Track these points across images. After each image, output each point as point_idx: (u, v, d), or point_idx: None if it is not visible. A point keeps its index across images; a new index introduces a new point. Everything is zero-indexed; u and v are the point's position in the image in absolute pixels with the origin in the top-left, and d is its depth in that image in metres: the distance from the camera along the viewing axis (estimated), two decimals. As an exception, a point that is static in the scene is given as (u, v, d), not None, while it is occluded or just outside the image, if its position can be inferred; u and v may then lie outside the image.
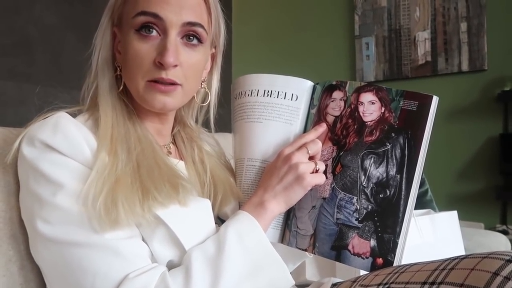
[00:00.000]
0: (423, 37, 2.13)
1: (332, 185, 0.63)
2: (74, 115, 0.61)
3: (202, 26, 0.63)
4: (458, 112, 2.04)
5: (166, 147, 0.71)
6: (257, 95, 0.67)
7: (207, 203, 0.63)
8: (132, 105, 0.66)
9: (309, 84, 0.69)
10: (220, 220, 0.67)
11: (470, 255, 0.49)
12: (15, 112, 1.62)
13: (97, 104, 0.63)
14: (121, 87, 0.64)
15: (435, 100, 0.58)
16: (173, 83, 0.61)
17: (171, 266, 0.57)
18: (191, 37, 0.62)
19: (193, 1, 0.62)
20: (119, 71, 0.64)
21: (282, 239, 0.67)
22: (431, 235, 0.94)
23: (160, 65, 0.59)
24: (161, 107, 0.62)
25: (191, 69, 0.63)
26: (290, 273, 0.60)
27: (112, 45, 0.66)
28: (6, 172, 0.62)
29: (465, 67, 2.03)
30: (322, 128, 0.65)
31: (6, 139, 0.64)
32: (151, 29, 0.60)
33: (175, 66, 0.60)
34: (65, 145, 0.56)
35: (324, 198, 0.63)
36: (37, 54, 1.75)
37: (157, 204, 0.56)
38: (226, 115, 0.76)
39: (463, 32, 2.03)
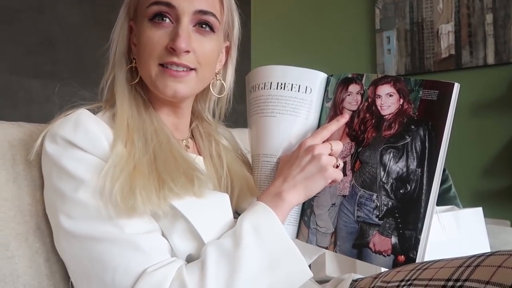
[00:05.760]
0: (446, 29, 2.07)
1: (352, 183, 0.62)
2: (93, 111, 0.63)
3: (214, 15, 0.64)
4: (483, 107, 1.98)
5: (184, 142, 0.72)
6: (270, 88, 0.66)
7: (226, 197, 0.63)
8: (149, 98, 0.67)
9: (322, 76, 0.67)
10: (238, 216, 0.67)
11: (496, 252, 0.47)
12: (41, 109, 1.66)
13: (114, 96, 0.65)
14: (137, 79, 0.66)
15: (456, 87, 0.56)
16: (187, 68, 0.62)
17: (190, 259, 0.57)
18: (203, 25, 0.64)
19: None
20: (135, 63, 0.66)
21: (297, 235, 0.66)
22: (455, 232, 0.91)
23: (172, 50, 0.61)
24: (172, 94, 0.63)
25: (204, 56, 0.64)
26: (310, 268, 0.59)
27: (128, 38, 0.67)
28: (32, 167, 0.64)
29: (490, 60, 1.97)
30: (345, 118, 0.63)
31: (32, 135, 0.67)
32: (164, 18, 0.62)
33: (187, 52, 0.62)
34: (86, 142, 0.57)
35: (344, 196, 0.62)
36: (61, 52, 1.79)
37: (172, 194, 0.56)
38: (246, 111, 0.76)
39: (488, 24, 1.97)
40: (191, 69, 0.63)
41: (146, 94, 0.67)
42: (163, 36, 0.62)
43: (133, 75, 0.67)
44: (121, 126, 0.60)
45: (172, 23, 0.62)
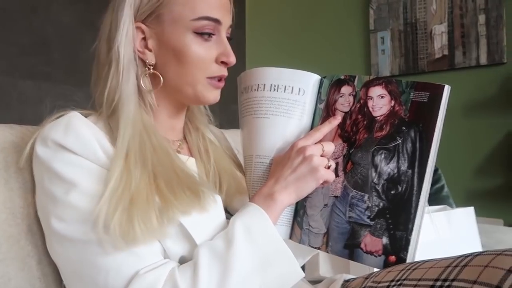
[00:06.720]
0: (439, 30, 2.09)
1: (344, 183, 0.62)
2: (85, 115, 0.62)
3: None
4: (476, 107, 2.00)
5: (179, 143, 0.72)
6: (264, 90, 0.67)
7: (218, 198, 0.63)
8: (156, 100, 0.66)
9: (315, 77, 0.67)
10: (230, 215, 0.67)
11: (484, 252, 0.48)
12: (35, 111, 1.65)
13: (112, 106, 0.62)
14: (161, 84, 0.65)
15: (447, 89, 0.56)
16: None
17: (183, 261, 0.57)
18: (228, 37, 0.68)
19: (230, 4, 0.68)
20: (151, 69, 0.64)
21: (290, 236, 0.67)
22: (447, 231, 0.92)
23: (224, 64, 0.66)
24: (214, 101, 0.68)
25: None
26: (304, 268, 0.60)
27: (134, 42, 0.64)
28: (23, 170, 0.64)
29: (483, 60, 1.98)
30: (337, 121, 0.64)
31: (24, 137, 0.66)
32: (211, 34, 0.64)
33: None
34: (77, 145, 0.57)
35: (336, 197, 0.63)
36: (55, 54, 1.78)
37: (179, 213, 0.56)
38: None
39: (481, 25, 1.98)
40: None
41: (154, 97, 0.65)
42: (210, 50, 0.64)
43: (145, 81, 0.64)
44: (120, 154, 0.58)
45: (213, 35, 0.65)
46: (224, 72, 0.67)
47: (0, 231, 0.61)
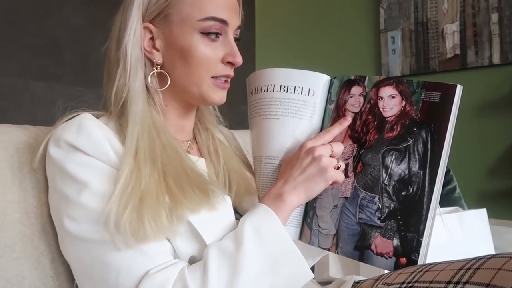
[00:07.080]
0: (451, 29, 2.06)
1: (354, 184, 0.62)
2: (96, 116, 0.63)
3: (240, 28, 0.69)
4: (489, 107, 1.97)
5: (189, 143, 0.72)
6: (273, 91, 0.67)
7: (227, 199, 0.63)
8: (164, 100, 0.66)
9: (325, 78, 0.67)
10: (239, 215, 0.67)
11: (497, 254, 0.47)
12: (46, 111, 1.67)
13: (121, 106, 0.63)
14: (166, 86, 0.65)
15: (459, 89, 0.55)
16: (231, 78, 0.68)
17: (193, 261, 0.57)
18: (237, 38, 0.68)
19: (238, 5, 0.68)
20: (158, 68, 0.65)
21: (300, 237, 0.67)
22: (459, 233, 0.91)
23: (231, 64, 0.66)
24: (220, 101, 0.68)
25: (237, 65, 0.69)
26: (313, 270, 0.59)
27: (141, 42, 0.64)
28: (37, 170, 0.65)
29: (496, 59, 1.96)
30: (347, 122, 0.63)
31: (37, 138, 0.68)
32: (218, 34, 0.64)
33: None
34: (89, 145, 0.58)
35: (346, 198, 0.62)
36: (66, 55, 1.81)
37: (188, 211, 0.57)
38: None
39: (494, 24, 1.96)
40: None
41: (162, 97, 0.66)
42: (216, 50, 0.64)
43: (152, 81, 0.64)
44: (130, 152, 0.58)
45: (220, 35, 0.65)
46: (229, 72, 0.66)
47: (15, 230, 0.62)
